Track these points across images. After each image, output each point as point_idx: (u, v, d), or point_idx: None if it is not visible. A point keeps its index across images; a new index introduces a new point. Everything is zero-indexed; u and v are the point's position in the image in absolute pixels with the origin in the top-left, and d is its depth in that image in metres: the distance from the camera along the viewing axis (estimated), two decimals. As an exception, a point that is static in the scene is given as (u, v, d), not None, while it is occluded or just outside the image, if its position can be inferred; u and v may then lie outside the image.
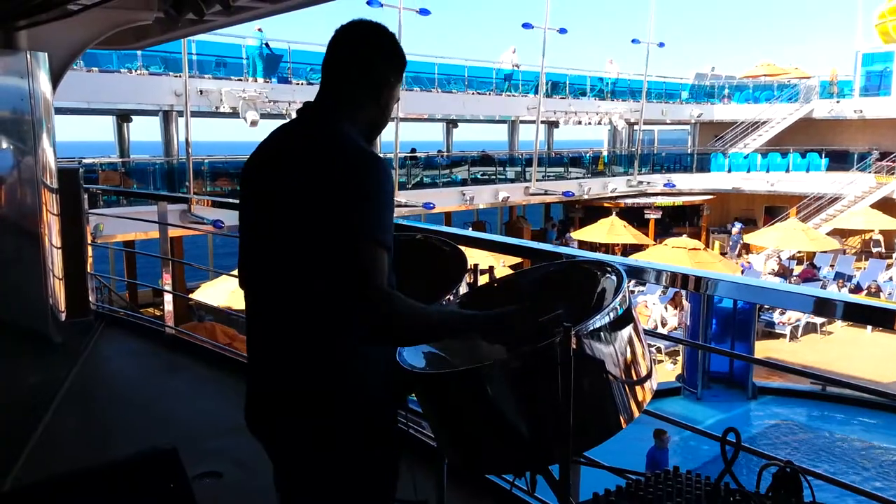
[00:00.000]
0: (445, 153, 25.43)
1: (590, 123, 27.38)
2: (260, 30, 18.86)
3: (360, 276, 1.44)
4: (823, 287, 18.56)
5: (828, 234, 23.28)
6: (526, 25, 23.77)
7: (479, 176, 24.20)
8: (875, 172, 25.89)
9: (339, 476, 1.58)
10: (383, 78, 1.63)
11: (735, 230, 26.22)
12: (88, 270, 5.31)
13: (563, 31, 24.48)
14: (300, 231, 1.51)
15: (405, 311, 1.48)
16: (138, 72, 17.06)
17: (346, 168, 1.48)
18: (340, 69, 1.61)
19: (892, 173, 25.73)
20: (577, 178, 26.41)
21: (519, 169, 25.28)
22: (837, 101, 28.13)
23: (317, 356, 1.55)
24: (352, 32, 1.61)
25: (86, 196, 5.34)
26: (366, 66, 1.60)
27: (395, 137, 20.55)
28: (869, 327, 16.08)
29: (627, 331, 1.57)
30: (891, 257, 23.73)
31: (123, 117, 20.22)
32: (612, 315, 1.52)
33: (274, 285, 1.59)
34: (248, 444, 1.73)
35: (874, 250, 24.09)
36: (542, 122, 25.49)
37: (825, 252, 22.58)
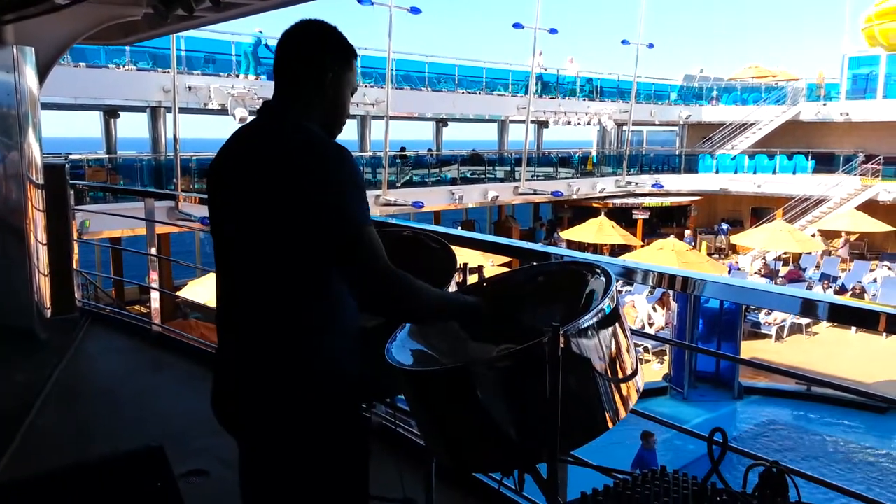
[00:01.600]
0: (435, 152, 25.43)
1: (579, 124, 27.46)
2: (260, 31, 18.83)
3: (365, 261, 1.53)
4: (809, 288, 18.72)
5: (813, 235, 23.49)
6: (517, 25, 23.80)
7: (468, 175, 24.22)
8: (860, 175, 26.14)
9: (308, 467, 1.61)
10: (322, 66, 1.66)
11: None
12: (74, 267, 5.27)
13: (553, 31, 24.52)
14: (269, 225, 1.56)
15: (415, 290, 1.60)
16: (126, 67, 16.92)
17: (311, 159, 1.54)
18: (285, 67, 1.68)
19: (877, 176, 25.98)
20: (566, 178, 26.48)
21: (508, 168, 25.31)
22: (824, 104, 28.35)
23: (286, 345, 1.59)
24: (292, 31, 1.68)
25: (72, 192, 5.30)
26: (305, 59, 1.66)
27: (385, 136, 20.52)
28: (853, 328, 16.22)
29: (615, 331, 1.57)
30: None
31: (111, 113, 20.07)
32: (600, 316, 1.53)
33: (246, 280, 1.63)
34: (235, 442, 1.73)
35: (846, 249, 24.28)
36: (532, 121, 25.54)
37: (811, 253, 22.79)
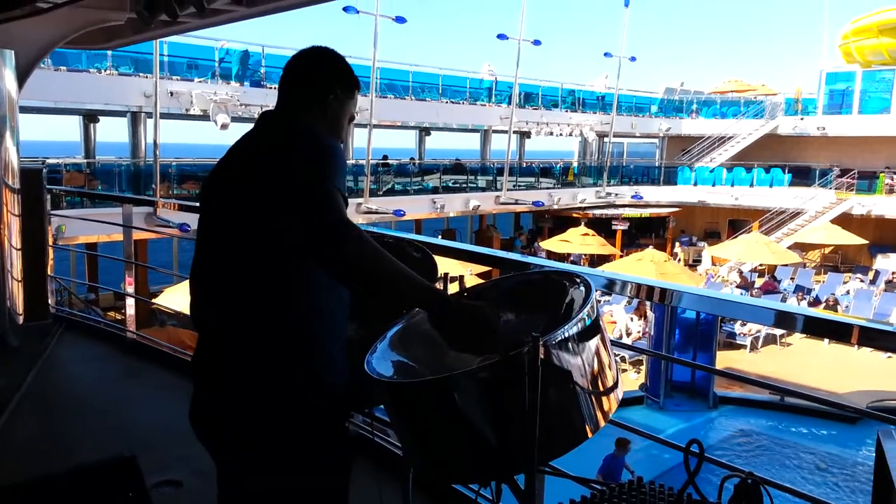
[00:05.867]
0: (417, 161, 25.45)
1: (561, 135, 27.67)
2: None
3: (320, 213, 1.49)
4: (784, 299, 18.97)
5: (788, 247, 23.83)
6: (501, 36, 23.95)
7: (450, 184, 24.24)
8: (835, 189, 26.60)
9: (288, 477, 1.59)
10: (327, 87, 1.75)
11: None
12: (48, 273, 5.19)
13: (537, 42, 24.72)
14: (254, 224, 1.57)
15: (368, 246, 1.51)
16: (107, 72, 16.76)
17: (294, 145, 1.60)
18: (290, 83, 1.77)
19: (852, 190, 26.46)
20: (547, 188, 26.62)
21: (490, 178, 25.38)
22: (801, 119, 28.85)
23: (269, 354, 1.57)
24: (303, 52, 1.80)
25: (48, 197, 5.22)
26: (312, 78, 1.76)
27: (368, 144, 20.51)
28: (826, 339, 16.46)
29: (595, 341, 1.58)
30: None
31: (90, 117, 19.84)
32: (580, 326, 1.53)
33: (226, 285, 1.62)
34: (209, 453, 1.71)
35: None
36: (515, 132, 25.66)
37: (786, 265, 23.11)
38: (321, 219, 1.49)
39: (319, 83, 1.75)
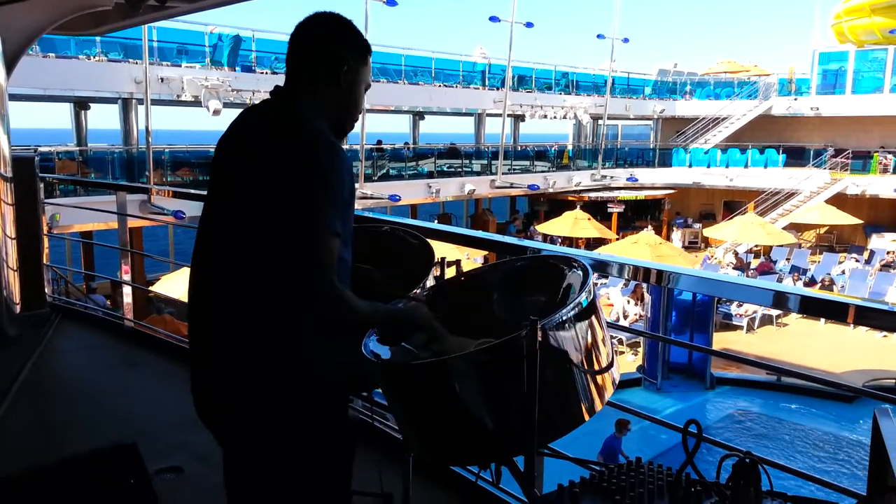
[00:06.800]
0: (412, 145, 25.37)
1: (555, 117, 27.61)
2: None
3: (312, 266, 1.49)
4: (780, 280, 19.03)
5: (784, 228, 23.88)
6: (493, 19, 23.81)
7: (445, 168, 24.20)
8: (830, 169, 26.64)
9: (292, 461, 1.60)
10: (338, 58, 1.65)
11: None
12: (44, 261, 5.17)
13: (529, 24, 24.57)
14: (252, 214, 1.55)
15: (347, 308, 1.56)
16: (97, 58, 16.61)
17: (300, 152, 1.53)
18: (298, 56, 1.65)
19: (846, 170, 26.50)
20: (542, 171, 26.63)
21: (485, 162, 25.35)
22: (795, 99, 28.82)
23: (266, 337, 1.57)
24: (307, 21, 1.66)
25: (41, 185, 5.20)
26: (321, 50, 1.64)
27: (362, 129, 20.42)
28: (822, 319, 16.54)
29: (592, 325, 1.58)
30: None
31: (81, 105, 19.68)
32: (577, 309, 1.54)
33: (223, 271, 1.61)
34: (209, 438, 1.72)
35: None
36: (509, 115, 25.59)
37: (781, 246, 23.17)
38: (313, 274, 1.50)
39: (329, 57, 1.63)
